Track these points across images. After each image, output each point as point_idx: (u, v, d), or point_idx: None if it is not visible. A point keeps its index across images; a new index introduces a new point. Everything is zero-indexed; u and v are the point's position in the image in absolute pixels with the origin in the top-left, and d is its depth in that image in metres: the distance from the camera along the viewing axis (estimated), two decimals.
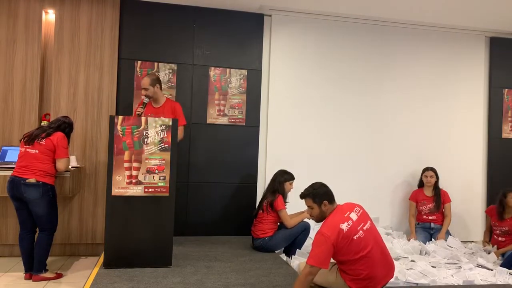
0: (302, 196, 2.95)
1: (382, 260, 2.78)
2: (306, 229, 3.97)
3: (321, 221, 2.90)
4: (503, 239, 4.37)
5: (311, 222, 4.28)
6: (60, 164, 3.56)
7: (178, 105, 4.14)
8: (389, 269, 2.85)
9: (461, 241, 4.68)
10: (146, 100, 3.93)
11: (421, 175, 4.88)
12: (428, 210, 4.77)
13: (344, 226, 2.68)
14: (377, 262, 2.74)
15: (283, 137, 4.81)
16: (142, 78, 4.05)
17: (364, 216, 2.82)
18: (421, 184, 4.90)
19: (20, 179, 3.45)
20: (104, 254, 3.36)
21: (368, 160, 5.00)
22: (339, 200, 5.01)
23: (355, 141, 4.99)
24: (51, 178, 3.57)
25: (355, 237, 2.68)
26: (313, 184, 2.96)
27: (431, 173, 4.78)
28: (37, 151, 3.51)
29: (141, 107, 3.85)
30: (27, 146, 3.52)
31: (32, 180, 3.44)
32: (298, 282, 2.66)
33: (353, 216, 2.77)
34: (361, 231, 2.72)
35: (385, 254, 2.83)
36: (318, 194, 2.86)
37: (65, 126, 3.67)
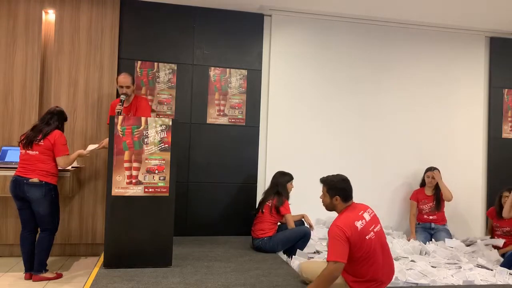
0: (321, 180, 2.98)
1: (385, 263, 2.79)
2: (305, 235, 3.95)
3: (329, 210, 2.97)
4: (505, 239, 4.37)
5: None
6: (60, 161, 3.57)
7: (145, 99, 4.19)
8: (390, 273, 2.87)
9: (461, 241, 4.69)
10: (123, 97, 3.94)
11: (424, 174, 4.89)
12: (429, 209, 4.77)
13: (359, 224, 2.69)
14: (381, 265, 2.75)
15: (283, 137, 4.81)
16: (121, 75, 4.04)
17: (375, 219, 2.85)
18: (423, 184, 4.91)
19: (23, 178, 3.46)
20: (104, 254, 3.35)
21: (369, 160, 5.00)
22: None
23: (355, 141, 4.99)
24: (53, 178, 3.57)
25: (367, 237, 2.69)
26: (337, 175, 2.97)
27: (432, 173, 4.78)
28: (37, 152, 3.51)
29: (120, 105, 3.88)
30: (27, 149, 3.52)
31: (35, 180, 3.45)
32: (322, 278, 2.61)
33: (366, 216, 2.79)
34: (372, 233, 2.73)
35: (389, 258, 2.84)
36: (334, 187, 2.87)
37: (57, 119, 3.64)
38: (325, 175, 3.00)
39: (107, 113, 4.35)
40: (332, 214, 4.96)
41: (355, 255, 2.69)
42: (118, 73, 4.43)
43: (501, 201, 4.41)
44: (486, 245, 4.27)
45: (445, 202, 4.82)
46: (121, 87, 3.98)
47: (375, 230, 2.77)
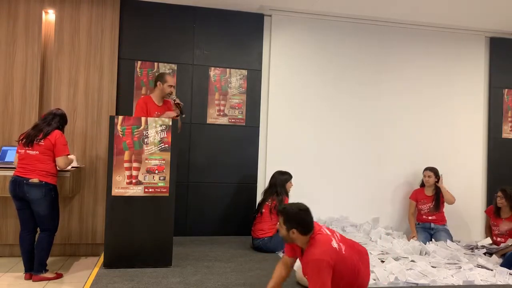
0: (278, 211, 2.70)
1: (364, 264, 2.71)
2: None
3: (287, 243, 2.71)
4: (502, 239, 4.39)
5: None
6: (60, 161, 3.56)
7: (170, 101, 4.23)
8: (367, 263, 2.78)
9: (461, 243, 4.70)
10: (173, 96, 4.05)
11: (423, 173, 4.90)
12: (428, 209, 4.77)
13: (335, 244, 2.54)
14: (362, 269, 2.67)
15: (283, 137, 4.81)
16: (170, 75, 4.13)
17: (330, 229, 2.72)
18: (423, 184, 4.91)
19: (23, 179, 3.45)
20: (104, 254, 3.36)
21: (369, 160, 5.00)
22: (339, 199, 5.00)
23: (356, 141, 4.99)
24: (53, 178, 3.57)
25: (343, 252, 2.57)
26: (296, 204, 2.67)
27: (429, 173, 4.79)
28: (37, 152, 3.50)
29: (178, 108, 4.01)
30: (27, 148, 3.51)
31: (35, 180, 3.45)
32: None
33: (327, 230, 2.66)
34: (342, 244, 2.61)
35: (362, 254, 2.74)
36: (290, 220, 2.57)
37: (58, 120, 3.64)
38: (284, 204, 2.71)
39: (107, 113, 4.35)
40: (333, 214, 5.00)
41: (343, 274, 2.55)
42: (118, 73, 4.43)
43: (497, 201, 4.46)
44: (484, 253, 4.27)
45: (445, 203, 4.82)
46: (171, 86, 4.03)
47: (339, 240, 2.64)
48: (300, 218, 2.57)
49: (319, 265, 2.43)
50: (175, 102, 4.00)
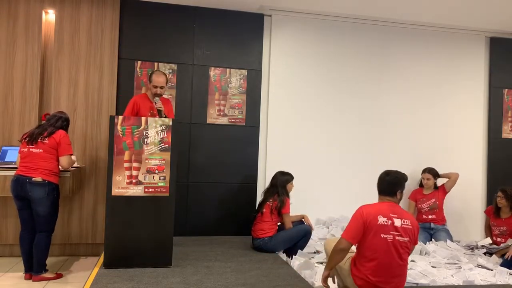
0: None
1: (389, 274, 2.67)
2: (306, 234, 3.97)
3: None
4: (502, 239, 4.39)
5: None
6: (63, 161, 3.56)
7: (170, 102, 4.16)
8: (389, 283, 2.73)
9: (461, 243, 4.70)
10: (157, 99, 3.80)
11: (421, 175, 4.90)
12: (428, 207, 4.77)
13: (382, 220, 2.67)
14: (384, 272, 2.65)
15: (283, 137, 4.81)
16: (156, 74, 3.88)
17: (407, 232, 2.68)
18: (422, 184, 4.91)
19: (25, 178, 3.44)
20: (104, 254, 3.36)
21: (368, 160, 5.00)
22: (339, 199, 4.99)
23: (355, 141, 4.99)
24: (56, 177, 3.57)
25: (382, 235, 2.64)
26: (392, 171, 2.94)
27: (428, 175, 4.80)
28: (41, 151, 3.50)
29: (161, 111, 3.76)
30: (30, 146, 3.51)
31: (39, 179, 3.44)
32: (333, 250, 2.72)
33: (397, 222, 2.68)
34: (391, 236, 2.64)
35: (399, 273, 2.70)
36: (378, 180, 2.94)
37: (63, 121, 3.66)
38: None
39: (107, 113, 4.35)
40: (333, 214, 4.99)
41: (362, 244, 2.67)
42: (118, 73, 4.43)
43: (497, 201, 4.45)
44: (484, 253, 4.27)
45: (444, 201, 4.83)
46: (155, 87, 3.83)
47: (397, 238, 2.64)
48: (380, 177, 2.94)
49: (356, 213, 2.76)
50: (156, 106, 3.79)
